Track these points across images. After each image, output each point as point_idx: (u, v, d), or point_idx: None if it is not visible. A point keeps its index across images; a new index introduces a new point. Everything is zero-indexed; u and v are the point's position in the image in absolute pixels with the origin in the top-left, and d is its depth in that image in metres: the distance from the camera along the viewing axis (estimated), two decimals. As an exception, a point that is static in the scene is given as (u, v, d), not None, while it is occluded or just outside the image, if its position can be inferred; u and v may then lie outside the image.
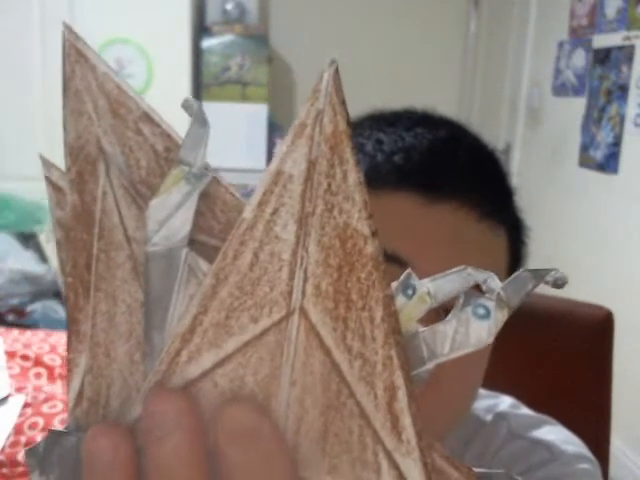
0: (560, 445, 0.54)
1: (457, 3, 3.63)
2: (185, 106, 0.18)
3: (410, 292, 0.18)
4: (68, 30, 0.18)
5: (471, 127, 0.51)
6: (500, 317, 0.18)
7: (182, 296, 0.18)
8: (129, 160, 0.18)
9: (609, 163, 2.43)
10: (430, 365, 0.18)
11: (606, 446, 0.82)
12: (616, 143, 2.38)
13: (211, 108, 3.18)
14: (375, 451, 0.17)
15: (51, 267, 2.88)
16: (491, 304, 0.18)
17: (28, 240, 2.94)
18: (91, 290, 0.18)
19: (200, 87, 3.20)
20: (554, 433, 0.56)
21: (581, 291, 2.13)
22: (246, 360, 0.17)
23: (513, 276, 0.19)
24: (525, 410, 0.59)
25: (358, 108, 0.52)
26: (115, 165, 0.18)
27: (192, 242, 0.18)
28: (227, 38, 3.19)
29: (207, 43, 3.18)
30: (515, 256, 0.49)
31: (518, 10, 3.24)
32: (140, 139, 0.18)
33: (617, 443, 2.12)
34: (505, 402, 0.59)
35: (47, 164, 0.20)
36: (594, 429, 0.78)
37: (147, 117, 0.18)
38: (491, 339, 0.18)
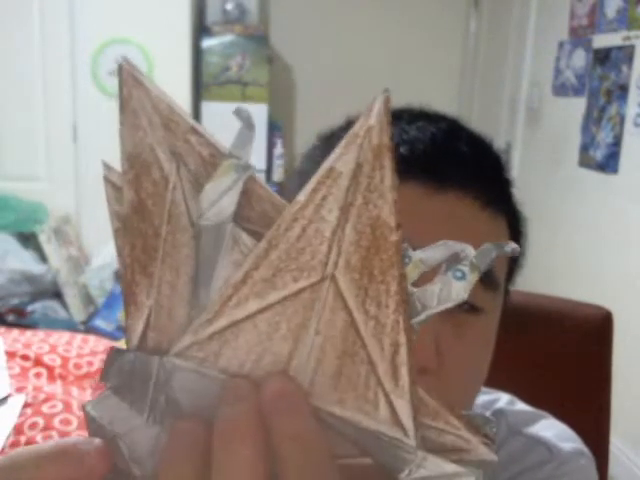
0: (557, 443, 0.56)
1: (457, 3, 3.63)
2: (236, 113, 0.23)
3: (407, 261, 0.23)
4: (126, 61, 0.23)
5: (468, 125, 0.52)
6: (472, 278, 0.23)
7: (226, 261, 0.22)
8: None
9: (609, 163, 2.43)
10: (423, 316, 0.23)
11: (606, 446, 0.82)
12: (616, 143, 2.38)
13: (211, 108, 3.18)
14: (376, 391, 0.22)
15: (51, 267, 2.88)
16: (466, 268, 0.23)
17: (28, 240, 2.94)
18: (157, 264, 0.23)
19: (200, 87, 3.20)
20: (551, 429, 0.58)
21: (580, 291, 2.13)
22: (283, 310, 0.22)
23: (481, 248, 0.23)
24: (521, 405, 0.61)
25: (358, 108, 0.53)
26: (184, 165, 0.23)
27: (236, 221, 0.23)
28: (227, 38, 3.19)
29: (207, 43, 3.18)
30: None
31: (518, 10, 3.25)
32: (188, 147, 0.23)
33: (617, 443, 2.12)
34: (502, 399, 0.61)
35: (107, 167, 0.24)
36: (594, 429, 0.78)
37: (193, 130, 0.23)
38: (467, 295, 0.23)
